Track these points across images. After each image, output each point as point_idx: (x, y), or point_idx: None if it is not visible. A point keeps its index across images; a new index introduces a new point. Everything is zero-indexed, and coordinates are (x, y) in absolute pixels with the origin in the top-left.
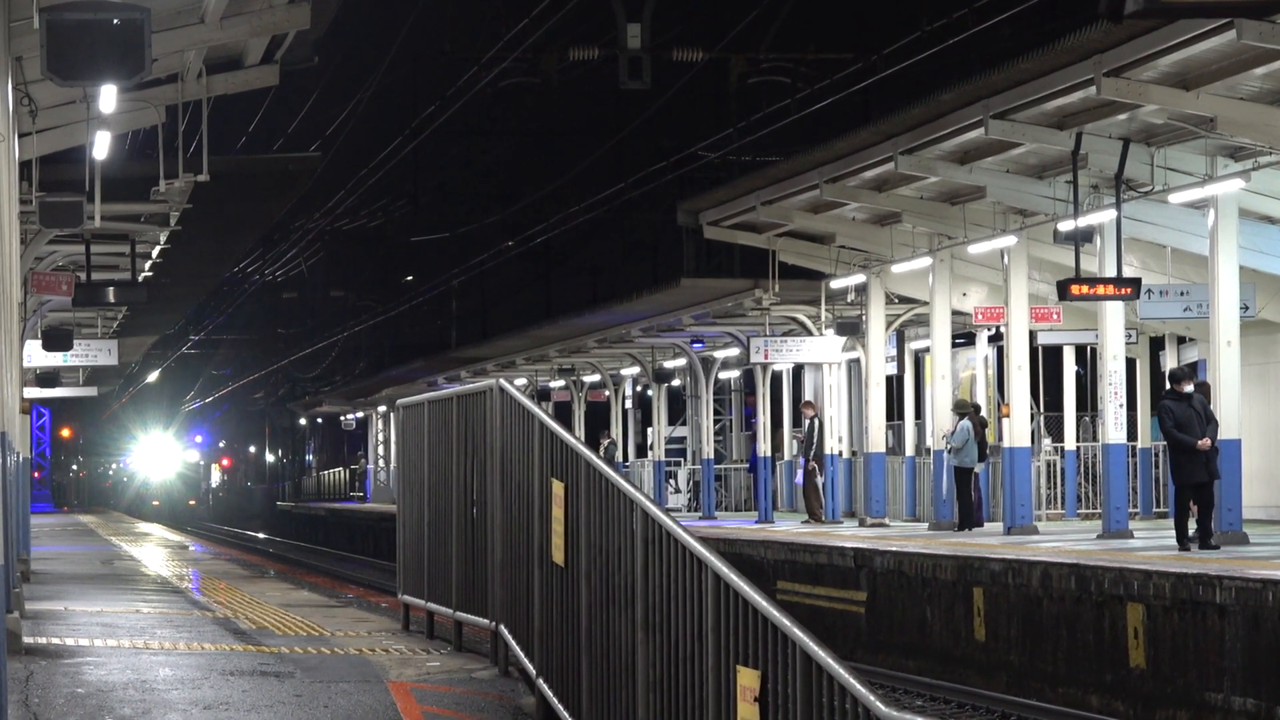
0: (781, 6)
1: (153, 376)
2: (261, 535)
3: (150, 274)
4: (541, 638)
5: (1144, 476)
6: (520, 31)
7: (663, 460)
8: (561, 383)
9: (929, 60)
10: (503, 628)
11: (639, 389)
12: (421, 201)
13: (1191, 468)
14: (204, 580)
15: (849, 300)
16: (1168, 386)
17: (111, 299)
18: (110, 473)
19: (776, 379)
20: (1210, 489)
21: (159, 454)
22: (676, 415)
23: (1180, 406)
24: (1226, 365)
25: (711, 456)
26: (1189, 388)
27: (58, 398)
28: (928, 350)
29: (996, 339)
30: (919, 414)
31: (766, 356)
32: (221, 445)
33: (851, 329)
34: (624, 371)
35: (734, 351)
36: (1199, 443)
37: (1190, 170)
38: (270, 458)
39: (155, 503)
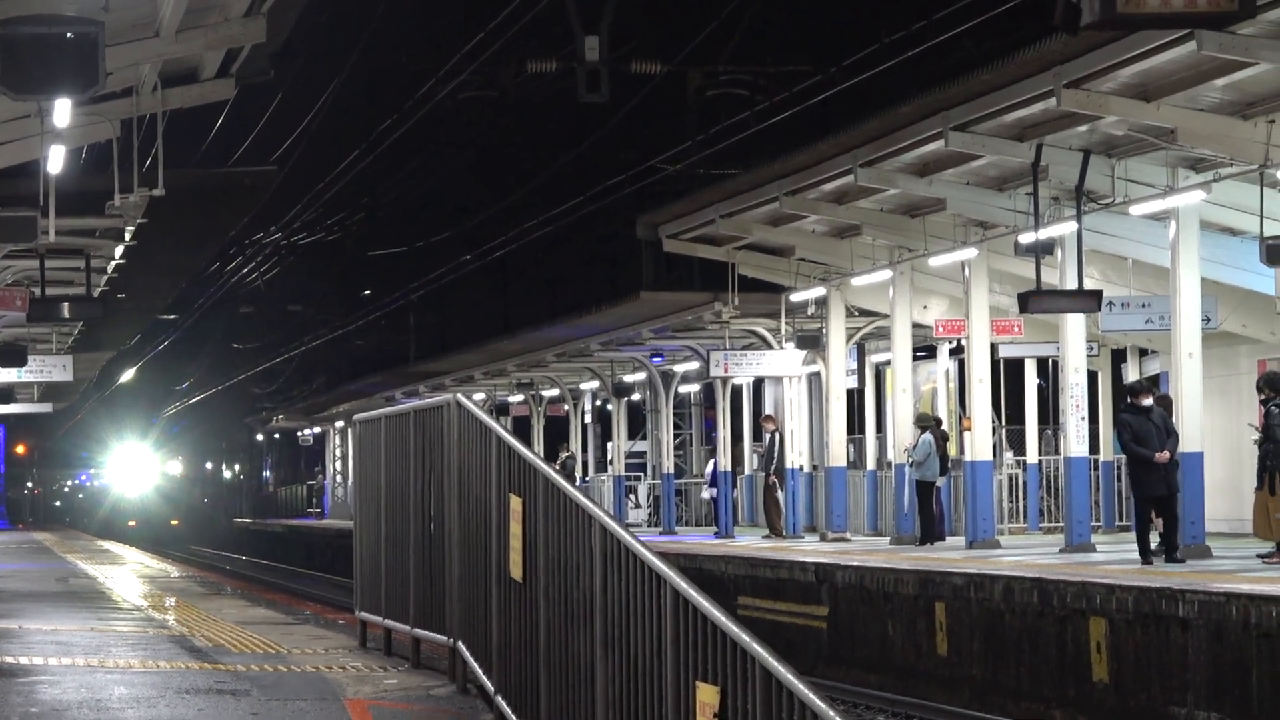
0: (740, 19)
1: (125, 377)
2: (212, 551)
3: (106, 289)
4: (500, 654)
5: (1106, 490)
6: (477, 44)
7: (622, 475)
8: (520, 397)
9: (888, 72)
10: (461, 644)
11: (598, 403)
12: (379, 215)
13: (1150, 481)
14: (160, 598)
15: (809, 313)
16: (1127, 400)
17: (66, 314)
18: (65, 489)
19: (737, 393)
20: (1172, 502)
21: (134, 466)
22: (636, 430)
23: (1138, 420)
24: (1188, 377)
25: (672, 471)
26: (1147, 401)
27: (12, 414)
28: (888, 363)
29: (958, 352)
30: (880, 427)
31: (726, 370)
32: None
33: (812, 342)
34: (583, 386)
35: (694, 365)
36: (1156, 456)
37: (1151, 182)
38: (227, 474)
39: (131, 523)
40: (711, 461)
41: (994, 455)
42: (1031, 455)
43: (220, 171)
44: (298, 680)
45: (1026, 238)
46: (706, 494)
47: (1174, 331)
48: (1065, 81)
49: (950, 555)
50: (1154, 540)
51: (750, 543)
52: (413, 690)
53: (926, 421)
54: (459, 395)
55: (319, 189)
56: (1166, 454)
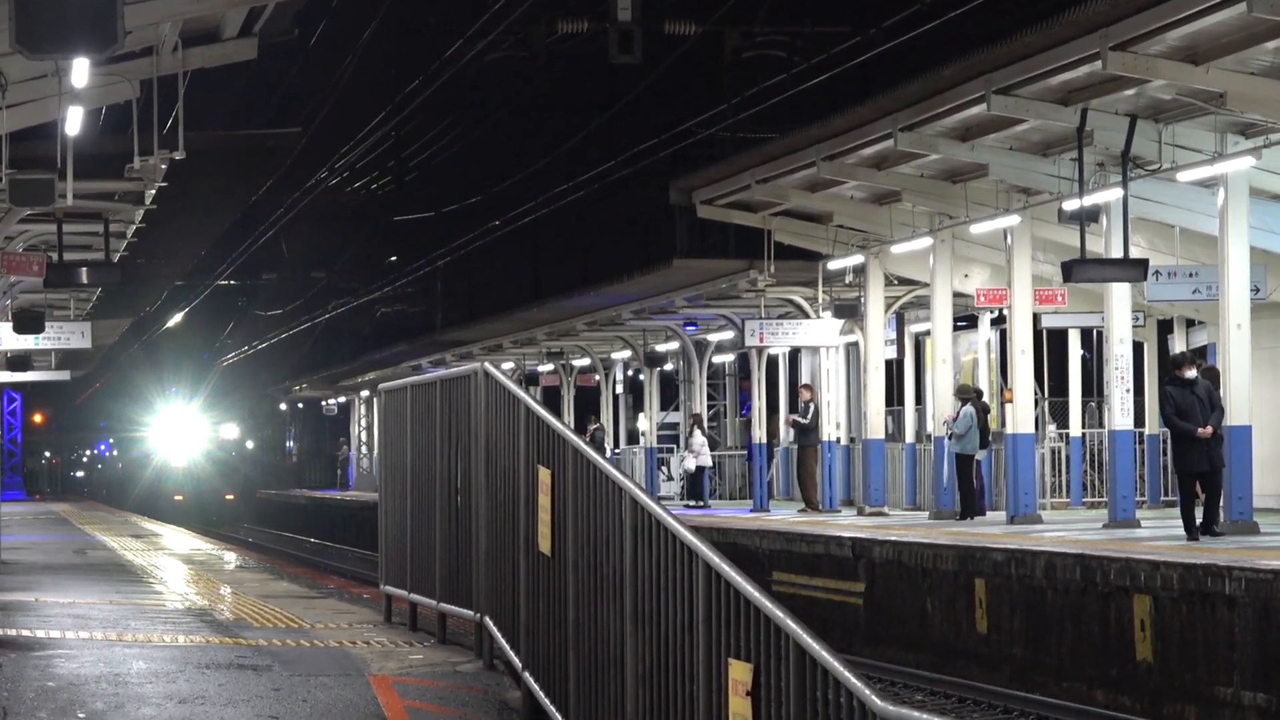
0: None
1: (174, 320)
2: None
3: (125, 254)
4: (528, 630)
5: (1151, 464)
6: (507, 3)
7: (655, 447)
8: (550, 367)
9: (929, 34)
10: (488, 619)
11: (630, 373)
12: (405, 180)
13: (1193, 456)
14: (180, 570)
15: (847, 281)
16: (1171, 372)
17: (84, 280)
18: (84, 459)
19: (772, 363)
20: (1215, 477)
21: (180, 430)
22: (669, 401)
23: (1181, 393)
24: (1236, 349)
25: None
26: (1191, 373)
27: (29, 382)
28: (928, 333)
29: (999, 322)
30: (919, 399)
31: (762, 340)
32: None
33: (850, 311)
34: (614, 355)
35: (728, 334)
36: (1199, 431)
37: (1199, 147)
38: (250, 445)
39: (178, 497)
40: (696, 430)
41: (1036, 428)
42: (1075, 428)
43: (242, 134)
44: (321, 655)
45: (1071, 205)
46: (691, 463)
47: (1222, 302)
48: (1112, 44)
49: (991, 530)
50: (1198, 514)
51: (785, 516)
52: (439, 666)
53: (967, 393)
54: (487, 364)
55: (344, 152)
56: (1209, 429)
